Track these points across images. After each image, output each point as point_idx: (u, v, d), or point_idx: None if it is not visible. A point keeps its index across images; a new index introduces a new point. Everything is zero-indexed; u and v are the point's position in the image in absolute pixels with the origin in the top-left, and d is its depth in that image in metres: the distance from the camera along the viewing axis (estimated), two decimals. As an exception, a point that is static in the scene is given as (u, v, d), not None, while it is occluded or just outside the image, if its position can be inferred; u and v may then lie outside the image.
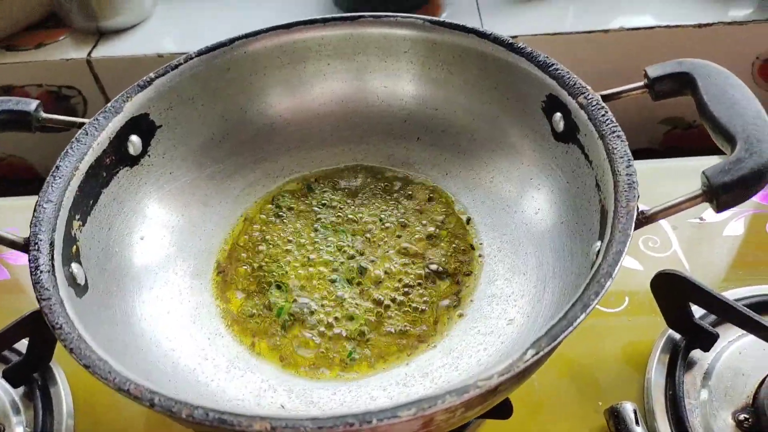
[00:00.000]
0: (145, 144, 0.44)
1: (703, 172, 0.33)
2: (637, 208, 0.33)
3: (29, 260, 0.32)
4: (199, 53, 0.46)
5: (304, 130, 0.52)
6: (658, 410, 0.43)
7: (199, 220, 0.47)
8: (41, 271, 0.32)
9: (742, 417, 0.42)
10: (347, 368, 0.39)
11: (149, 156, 0.45)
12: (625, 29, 0.66)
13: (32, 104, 0.40)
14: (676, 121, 0.75)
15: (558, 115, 0.42)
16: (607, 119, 0.37)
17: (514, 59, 0.44)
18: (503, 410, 0.37)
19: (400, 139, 0.51)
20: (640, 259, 0.53)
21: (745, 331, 0.46)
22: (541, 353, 0.27)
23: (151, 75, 0.44)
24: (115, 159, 0.42)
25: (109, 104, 0.42)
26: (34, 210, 0.35)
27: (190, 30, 0.71)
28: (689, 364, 0.45)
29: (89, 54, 0.67)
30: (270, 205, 0.49)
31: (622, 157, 0.35)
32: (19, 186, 0.76)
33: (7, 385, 0.46)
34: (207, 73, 0.47)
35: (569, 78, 0.41)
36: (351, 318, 0.42)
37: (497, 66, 0.45)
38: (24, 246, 0.34)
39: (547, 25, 0.67)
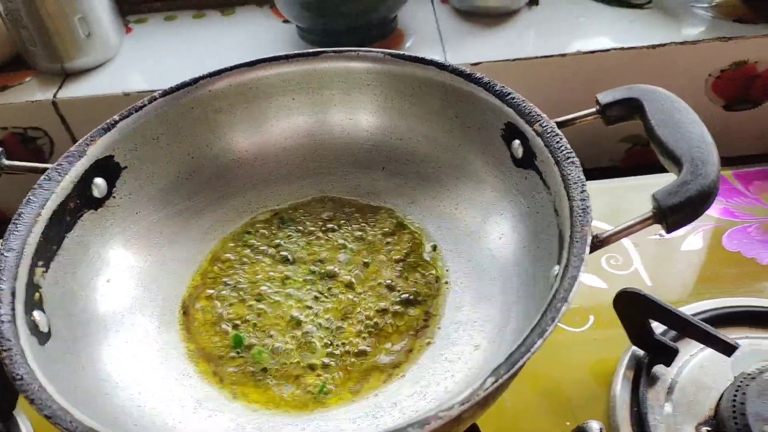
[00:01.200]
0: (110, 186, 0.45)
1: (653, 195, 0.34)
2: (591, 233, 0.34)
3: (-9, 312, 0.32)
4: (164, 93, 0.47)
5: (271, 165, 0.52)
6: (623, 426, 0.44)
7: (166, 260, 0.47)
8: (2, 322, 0.31)
9: (704, 430, 0.43)
10: (317, 403, 0.39)
11: (114, 197, 0.45)
12: (581, 53, 0.68)
13: (-7, 152, 0.40)
14: (635, 138, 0.77)
15: (516, 142, 0.43)
16: (561, 146, 0.39)
17: (473, 89, 0.45)
18: (472, 435, 0.37)
19: (366, 170, 0.52)
20: (604, 277, 0.54)
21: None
22: (501, 380, 0.27)
23: (116, 117, 0.45)
24: (80, 203, 0.42)
25: (72, 148, 0.42)
26: (-6, 260, 0.35)
27: (156, 68, 0.71)
28: (653, 379, 0.46)
29: (55, 95, 0.67)
30: (238, 242, 0.49)
31: (576, 183, 0.36)
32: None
33: (-26, 435, 0.45)
34: (172, 112, 0.47)
35: (525, 106, 0.42)
36: (319, 351, 0.42)
37: (457, 96, 0.47)
38: (-15, 293, 0.33)
39: (507, 51, 0.69)
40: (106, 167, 0.44)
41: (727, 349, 0.42)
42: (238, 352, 0.42)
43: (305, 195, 0.52)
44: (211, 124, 0.50)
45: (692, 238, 0.57)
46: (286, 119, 0.52)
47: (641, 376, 0.45)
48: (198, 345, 0.43)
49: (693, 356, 0.47)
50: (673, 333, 0.47)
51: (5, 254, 0.35)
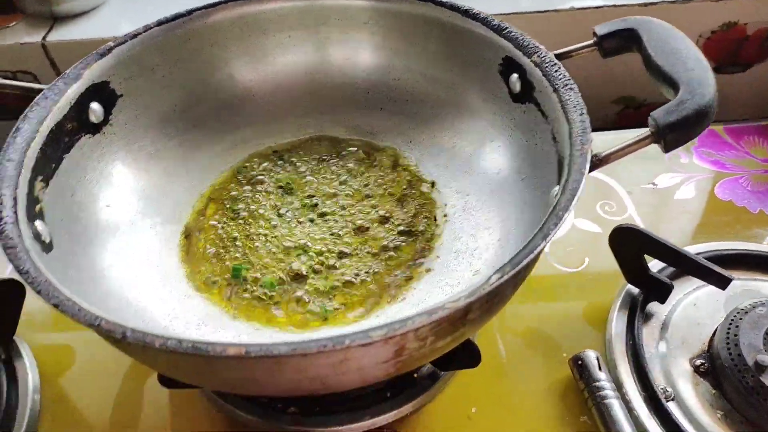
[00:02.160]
0: (107, 113, 0.44)
1: (651, 115, 0.34)
2: (591, 151, 0.34)
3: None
4: (159, 23, 0.46)
5: (269, 102, 0.52)
6: (619, 360, 0.45)
7: (165, 190, 0.47)
8: (5, 222, 0.31)
9: (698, 362, 0.44)
10: (318, 323, 0.40)
11: (111, 125, 0.45)
12: (575, 8, 0.68)
13: (-12, 70, 0.40)
14: (627, 100, 0.77)
15: (515, 76, 0.43)
16: (560, 74, 0.39)
17: (471, 25, 0.45)
18: (471, 358, 0.38)
19: (364, 109, 0.52)
20: (599, 222, 0.55)
21: (699, 284, 0.48)
22: (506, 277, 0.28)
23: (110, 43, 0.44)
24: (77, 125, 0.42)
25: (68, 70, 0.42)
26: (-5, 167, 0.34)
27: (146, 15, 0.70)
28: (647, 317, 0.47)
29: (44, 38, 0.66)
30: (237, 176, 0.49)
31: (575, 107, 0.37)
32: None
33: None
34: (167, 43, 0.47)
35: (522, 39, 0.42)
36: (319, 279, 0.42)
37: (455, 33, 0.47)
38: (-17, 204, 0.33)
39: (502, 5, 0.69)
40: (102, 92, 0.44)
41: (722, 281, 0.43)
42: (238, 280, 0.42)
43: (303, 133, 0.52)
44: (208, 58, 0.49)
45: (685, 188, 0.58)
46: (283, 56, 0.52)
47: (636, 312, 0.46)
48: (198, 270, 0.43)
49: (687, 295, 0.48)
50: (668, 271, 0.48)
51: (5, 163, 0.35)
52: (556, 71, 0.39)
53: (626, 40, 0.40)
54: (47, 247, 0.35)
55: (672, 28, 0.39)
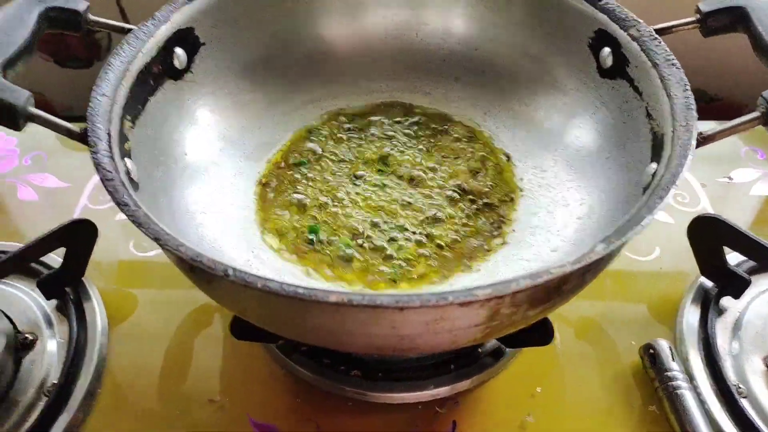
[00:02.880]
0: (190, 59, 0.44)
1: (762, 95, 0.33)
2: (696, 128, 0.33)
3: (90, 145, 0.32)
4: (246, -28, 0.46)
5: (343, 64, 0.51)
6: (691, 352, 0.43)
7: (238, 142, 0.47)
8: (102, 155, 0.31)
9: (772, 362, 0.43)
10: (386, 285, 0.39)
11: (192, 72, 0.44)
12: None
13: (81, 4, 0.40)
14: (698, 94, 0.75)
15: (606, 50, 0.42)
16: (660, 49, 0.38)
17: (563, -5, 0.44)
18: (545, 334, 0.37)
19: (438, 77, 0.51)
20: (671, 212, 0.53)
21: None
22: (612, 247, 0.27)
23: (199, -11, 0.44)
24: (162, 69, 0.41)
25: (156, 12, 0.41)
26: (90, 101, 0.34)
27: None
28: (720, 311, 0.46)
29: (118, -11, 0.66)
30: (309, 136, 0.49)
31: (678, 83, 0.35)
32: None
33: (39, 298, 0.45)
34: (254, -8, 0.46)
35: (620, 11, 0.41)
36: (396, 244, 0.41)
37: (544, 3, 0.45)
38: (80, 135, 0.33)
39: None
40: (187, 38, 0.43)
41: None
42: (312, 240, 0.42)
43: (377, 98, 0.52)
44: (289, 13, 0.49)
45: (762, 184, 0.56)
46: (362, 17, 0.51)
47: (709, 306, 0.45)
48: (274, 223, 0.43)
49: (762, 292, 0.46)
50: (745, 266, 0.46)
51: (98, 98, 0.35)
52: (656, 46, 0.38)
53: (733, 19, 0.39)
54: (135, 186, 0.35)
55: (786, 7, 0.37)
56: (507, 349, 0.42)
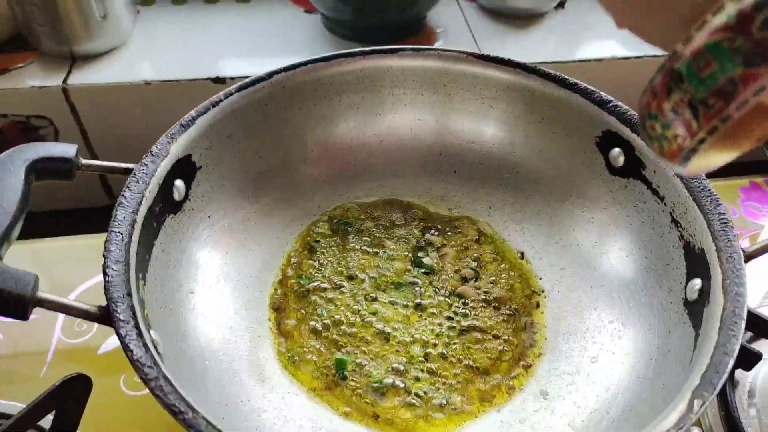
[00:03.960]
0: (187, 188, 0.41)
1: (796, 209, 0.34)
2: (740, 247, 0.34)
3: (116, 331, 0.28)
4: (239, 88, 0.43)
5: (338, 165, 0.49)
6: (716, 429, 0.44)
7: (241, 266, 0.43)
8: (130, 340, 0.28)
9: (788, 430, 0.45)
10: (438, 421, 0.37)
11: (190, 200, 0.41)
12: (616, 58, 0.68)
13: (71, 149, 0.35)
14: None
15: (617, 150, 0.43)
16: (680, 157, 0.38)
17: (566, 95, 0.44)
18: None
19: (437, 173, 0.50)
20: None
21: (775, 349, 0.48)
22: (706, 403, 0.26)
23: (193, 113, 0.40)
24: (163, 207, 0.38)
25: (154, 147, 0.38)
26: (105, 271, 0.30)
27: (169, 56, 0.66)
28: (733, 384, 0.47)
29: (65, 81, 0.61)
30: (310, 246, 0.46)
31: (707, 195, 0.36)
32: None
33: (26, 469, 0.40)
34: (246, 108, 0.43)
35: (631, 115, 0.41)
36: (425, 374, 0.40)
37: (545, 101, 0.46)
38: (100, 316, 0.29)
39: (533, 54, 0.68)
40: (185, 168, 0.40)
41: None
42: (341, 374, 0.39)
43: (374, 197, 0.50)
44: (281, 122, 0.46)
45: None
46: (354, 118, 0.49)
47: (725, 383, 0.46)
48: (294, 361, 0.40)
49: (766, 360, 0.48)
50: (746, 336, 0.48)
51: (113, 267, 0.31)
52: (674, 153, 0.39)
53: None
54: (161, 357, 0.31)
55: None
56: None
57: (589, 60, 0.68)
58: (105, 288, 0.30)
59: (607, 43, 0.71)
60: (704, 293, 0.33)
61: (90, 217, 0.62)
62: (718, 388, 0.27)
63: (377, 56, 0.47)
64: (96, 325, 0.49)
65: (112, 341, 0.48)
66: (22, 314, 0.28)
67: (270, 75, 0.44)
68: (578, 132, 0.45)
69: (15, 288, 0.28)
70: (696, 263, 0.35)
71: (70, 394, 0.39)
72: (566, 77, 0.44)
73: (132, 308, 0.29)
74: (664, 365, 0.34)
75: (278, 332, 0.41)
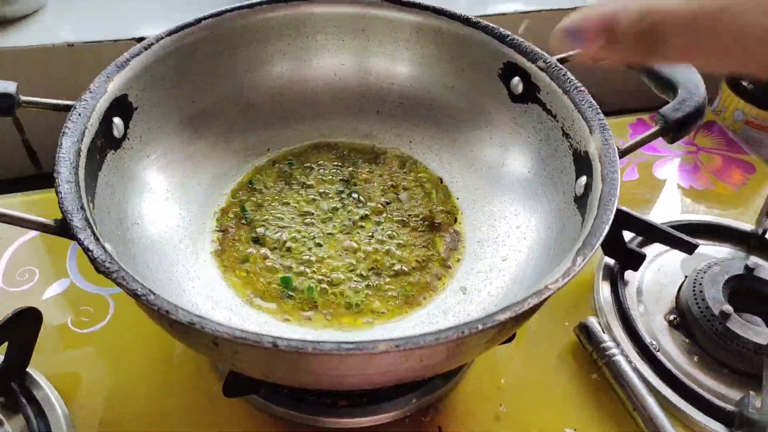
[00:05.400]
0: (125, 126, 0.43)
1: (659, 113, 0.41)
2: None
3: (79, 240, 0.31)
4: (169, 33, 0.45)
5: (265, 109, 0.53)
6: (612, 323, 0.51)
7: (183, 203, 0.46)
8: (95, 248, 0.30)
9: (671, 317, 0.52)
10: (372, 321, 0.42)
11: (129, 139, 0.43)
12: (518, 12, 0.75)
13: (12, 86, 0.37)
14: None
15: (516, 79, 0.48)
16: (567, 78, 0.44)
17: (470, 32, 0.50)
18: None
19: (360, 113, 0.55)
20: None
21: (660, 251, 0.56)
22: (587, 258, 0.32)
23: (127, 55, 0.43)
24: (104, 142, 0.40)
25: (92, 85, 0.40)
26: (58, 189, 0.33)
27: (85, 17, 0.66)
28: (625, 283, 0.55)
29: (-18, 45, 0.61)
30: (249, 185, 0.50)
31: (590, 107, 0.42)
32: None
33: (-18, 399, 0.41)
34: (177, 53, 0.46)
35: (526, 46, 0.47)
36: (359, 279, 0.44)
37: (453, 40, 0.51)
38: (58, 228, 0.32)
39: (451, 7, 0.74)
40: (122, 106, 0.42)
41: (690, 248, 0.51)
42: (286, 291, 0.43)
43: (305, 139, 0.54)
44: (211, 67, 0.49)
45: (629, 170, 0.66)
46: (281, 64, 0.53)
47: (617, 281, 0.54)
48: (243, 282, 0.43)
49: (651, 261, 0.56)
50: (636, 242, 0.56)
51: (65, 185, 0.33)
52: (563, 75, 0.45)
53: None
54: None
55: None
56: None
57: (496, 14, 0.74)
58: (59, 203, 0.32)
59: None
60: (588, 186, 0.40)
61: (19, 185, 0.63)
62: (596, 247, 0.33)
63: (299, 3, 0.51)
64: (37, 273, 0.51)
65: (55, 287, 0.50)
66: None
67: (198, 21, 0.47)
68: (483, 66, 0.50)
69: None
70: (582, 164, 0.42)
71: (20, 327, 0.41)
72: (469, 16, 0.50)
73: (86, 219, 0.32)
74: (559, 251, 0.40)
75: (222, 256, 0.45)
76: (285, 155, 0.52)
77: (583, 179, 0.41)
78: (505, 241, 0.46)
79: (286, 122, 0.53)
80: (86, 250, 0.30)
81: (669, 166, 0.68)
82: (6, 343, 0.41)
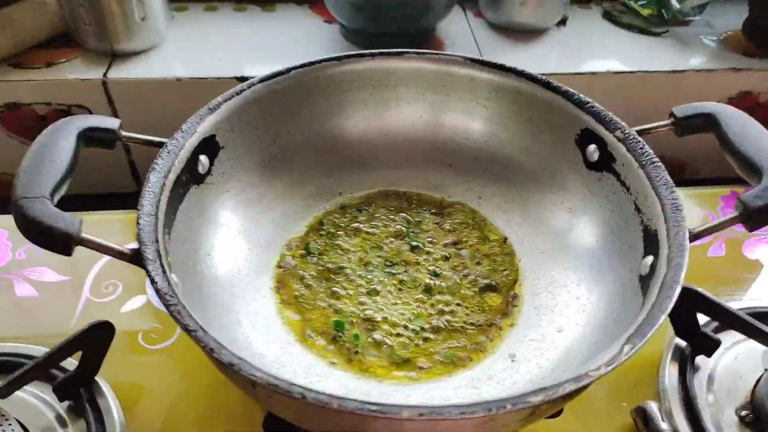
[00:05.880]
0: (210, 164, 0.46)
1: (739, 198, 0.39)
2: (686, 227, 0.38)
3: (147, 271, 0.34)
4: (261, 80, 0.49)
5: (344, 155, 0.55)
6: (675, 410, 0.48)
7: (252, 238, 0.49)
8: (158, 277, 0.33)
9: (743, 413, 0.48)
10: (416, 376, 0.42)
11: (212, 175, 0.47)
12: (592, 73, 0.73)
13: (115, 122, 0.41)
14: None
15: (592, 146, 0.47)
16: (645, 151, 0.43)
17: (549, 96, 0.49)
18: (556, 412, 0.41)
19: (434, 164, 0.56)
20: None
21: (739, 339, 0.53)
22: (636, 348, 0.31)
23: (219, 99, 0.46)
24: (189, 177, 0.44)
25: (184, 125, 0.44)
26: (138, 221, 0.36)
27: (200, 57, 0.72)
28: (695, 369, 0.51)
29: (105, 75, 0.67)
30: (318, 228, 0.52)
31: (664, 184, 0.41)
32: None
33: (52, 400, 0.45)
34: (266, 98, 0.49)
35: (605, 114, 0.46)
36: (418, 329, 0.45)
37: (532, 102, 0.51)
38: (132, 257, 0.35)
39: (536, 66, 0.74)
40: (210, 145, 0.46)
41: (766, 338, 0.47)
42: (339, 336, 0.44)
43: (376, 186, 0.55)
44: (295, 112, 0.52)
45: (715, 247, 0.63)
46: (361, 113, 0.55)
47: (686, 365, 0.50)
48: (294, 323, 0.45)
49: (727, 349, 0.53)
50: (711, 326, 0.52)
51: (144, 218, 0.36)
52: (640, 148, 0.44)
53: (705, 124, 0.45)
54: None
55: (748, 116, 0.43)
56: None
57: (586, 73, 0.73)
58: (137, 234, 0.36)
59: (604, 59, 0.76)
60: (653, 267, 0.38)
61: (118, 201, 0.68)
62: (648, 337, 0.32)
63: (384, 58, 0.53)
64: (120, 287, 0.55)
65: (133, 302, 0.54)
66: (67, 250, 0.34)
67: (289, 70, 0.50)
68: (560, 130, 0.50)
69: (63, 227, 0.33)
70: (651, 243, 0.40)
71: (95, 338, 0.45)
72: (550, 81, 0.50)
73: (158, 251, 0.35)
74: (617, 332, 0.39)
75: (283, 299, 0.47)
76: (354, 201, 0.54)
77: (650, 259, 0.39)
78: (564, 312, 0.45)
79: (360, 168, 0.55)
80: (152, 281, 0.33)
81: (761, 246, 0.63)
82: (80, 352, 0.45)
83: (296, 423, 0.34)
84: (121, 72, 0.69)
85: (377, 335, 0.44)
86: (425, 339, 0.44)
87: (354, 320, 0.45)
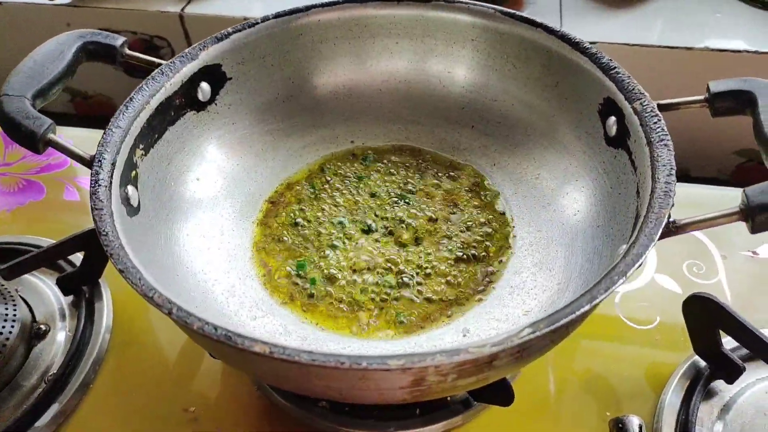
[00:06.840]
0: (214, 93, 0.47)
1: (744, 191, 0.32)
2: (669, 216, 0.32)
3: (91, 174, 0.36)
4: (276, 15, 0.49)
5: (364, 103, 0.53)
6: (665, 430, 0.42)
7: (251, 171, 0.50)
8: (99, 185, 0.35)
9: (756, 455, 0.41)
10: (363, 329, 0.41)
11: (216, 104, 0.48)
12: (710, 49, 0.64)
13: (119, 40, 0.44)
14: (752, 153, 0.71)
15: (612, 119, 0.42)
16: (658, 127, 0.37)
17: (578, 58, 0.44)
18: (504, 397, 0.37)
19: (455, 125, 0.52)
20: (681, 282, 0.51)
21: (778, 373, 0.44)
22: (538, 333, 0.27)
23: (229, 29, 0.47)
24: (185, 101, 0.45)
25: (186, 50, 0.45)
26: (104, 132, 0.38)
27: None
28: (709, 393, 0.44)
29: (183, 9, 0.72)
30: (319, 171, 0.51)
31: (664, 165, 0.35)
32: (103, 122, 0.81)
33: (59, 293, 0.50)
34: (280, 34, 0.49)
35: (628, 82, 0.40)
36: (374, 289, 0.43)
37: (561, 64, 0.46)
38: (89, 162, 0.37)
39: (629, 35, 0.66)
40: (213, 74, 0.47)
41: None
42: (299, 275, 0.44)
43: (391, 139, 0.53)
44: (315, 54, 0.51)
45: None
46: (386, 61, 0.53)
47: (697, 386, 0.43)
48: (265, 255, 0.45)
49: (759, 380, 0.44)
50: (742, 351, 0.44)
51: (113, 129, 0.38)
52: (654, 123, 0.37)
53: (741, 103, 0.37)
54: (134, 211, 0.38)
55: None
56: (474, 402, 0.42)
57: (701, 49, 0.64)
58: (99, 143, 0.38)
59: (725, 37, 0.65)
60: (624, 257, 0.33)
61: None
62: (558, 324, 0.28)
63: (415, 4, 0.50)
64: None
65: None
66: (34, 148, 0.37)
67: (308, 8, 0.49)
68: (585, 98, 0.44)
69: (31, 125, 0.36)
70: (633, 230, 0.35)
71: (94, 242, 0.48)
72: (581, 41, 0.44)
73: (113, 164, 0.37)
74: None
75: (261, 233, 0.47)
76: (364, 151, 0.53)
77: (623, 248, 0.34)
78: (538, 296, 0.41)
79: (378, 120, 0.53)
80: (91, 186, 0.35)
81: None
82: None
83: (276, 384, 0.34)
84: (199, 8, 0.72)
85: (339, 283, 0.43)
86: (383, 299, 0.42)
87: (320, 264, 0.44)
